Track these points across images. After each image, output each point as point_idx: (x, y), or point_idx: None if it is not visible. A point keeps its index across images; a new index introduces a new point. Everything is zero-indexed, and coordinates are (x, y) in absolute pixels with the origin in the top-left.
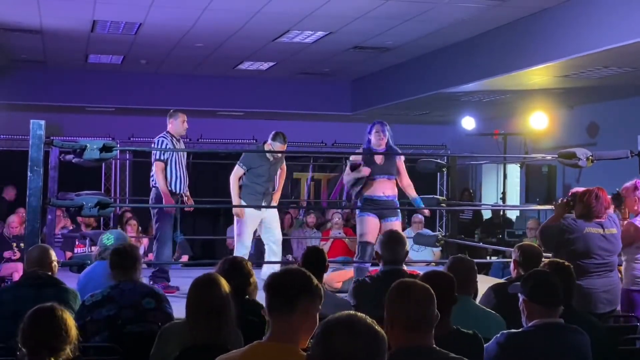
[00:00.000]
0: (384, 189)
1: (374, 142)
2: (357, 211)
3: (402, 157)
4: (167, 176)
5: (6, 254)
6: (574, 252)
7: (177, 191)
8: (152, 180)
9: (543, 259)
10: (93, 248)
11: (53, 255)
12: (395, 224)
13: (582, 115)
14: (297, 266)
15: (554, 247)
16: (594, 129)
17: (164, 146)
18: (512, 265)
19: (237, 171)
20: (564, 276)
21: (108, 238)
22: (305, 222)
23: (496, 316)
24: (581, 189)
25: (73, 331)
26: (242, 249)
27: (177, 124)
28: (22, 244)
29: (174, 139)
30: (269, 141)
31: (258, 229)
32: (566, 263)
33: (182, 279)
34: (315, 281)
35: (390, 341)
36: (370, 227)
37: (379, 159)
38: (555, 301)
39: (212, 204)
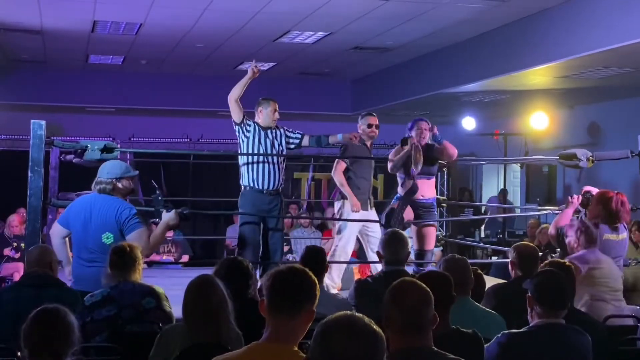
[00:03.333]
0: (423, 190)
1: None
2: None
3: (446, 142)
4: (253, 172)
5: (6, 252)
6: None
7: (269, 188)
8: (241, 179)
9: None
10: None
11: (53, 254)
12: (431, 229)
13: (582, 115)
14: (300, 265)
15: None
16: (595, 129)
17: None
18: (510, 266)
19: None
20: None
21: (108, 237)
22: (299, 222)
23: (496, 316)
24: (595, 190)
25: (75, 334)
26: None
27: (266, 114)
28: (22, 244)
29: (262, 130)
30: (360, 122)
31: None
32: (567, 263)
33: (183, 279)
34: (316, 281)
35: (388, 342)
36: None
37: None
38: (558, 304)
39: (214, 204)
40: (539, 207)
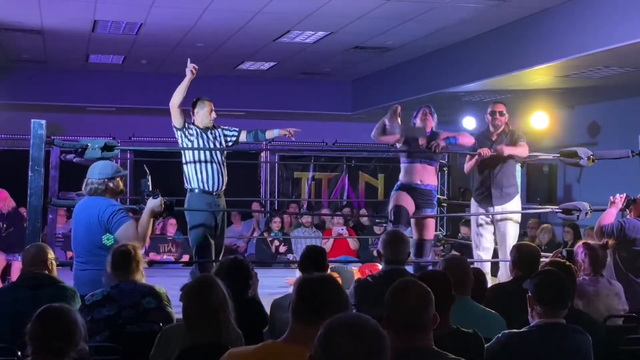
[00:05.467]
0: (422, 176)
1: (419, 126)
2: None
3: (444, 134)
4: (202, 174)
5: None
6: (638, 251)
7: (217, 189)
8: (187, 181)
9: (543, 259)
10: None
11: (50, 252)
12: (431, 219)
13: (583, 115)
14: (330, 275)
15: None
16: (595, 128)
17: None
18: (510, 265)
19: None
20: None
21: (108, 238)
22: (301, 222)
23: (496, 315)
24: None
25: (80, 333)
26: None
27: (203, 114)
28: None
29: (203, 132)
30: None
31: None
32: (567, 263)
33: (184, 279)
34: (344, 294)
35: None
36: (405, 198)
37: (421, 141)
38: (558, 304)
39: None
40: (539, 207)
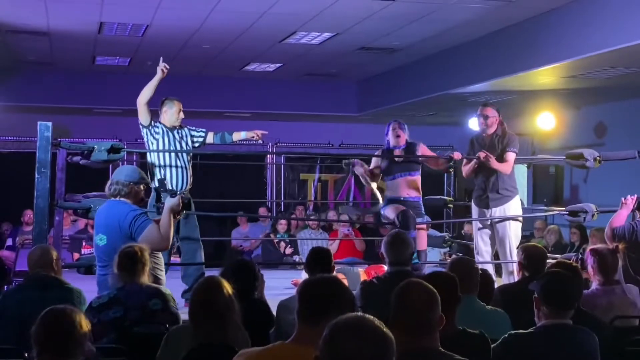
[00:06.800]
0: (407, 190)
1: (392, 142)
2: (383, 207)
3: (423, 146)
4: (165, 173)
5: None
6: None
7: (182, 188)
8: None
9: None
10: None
11: (55, 254)
12: (423, 230)
13: (589, 115)
14: (333, 276)
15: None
16: (602, 129)
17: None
18: (517, 266)
19: None
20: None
21: (101, 239)
22: (307, 224)
23: (501, 313)
24: None
25: (85, 334)
26: None
27: (171, 114)
28: None
29: (170, 131)
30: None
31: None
32: (574, 264)
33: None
34: (348, 293)
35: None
36: (401, 207)
37: (396, 152)
38: (564, 305)
39: (219, 206)
40: (545, 208)
